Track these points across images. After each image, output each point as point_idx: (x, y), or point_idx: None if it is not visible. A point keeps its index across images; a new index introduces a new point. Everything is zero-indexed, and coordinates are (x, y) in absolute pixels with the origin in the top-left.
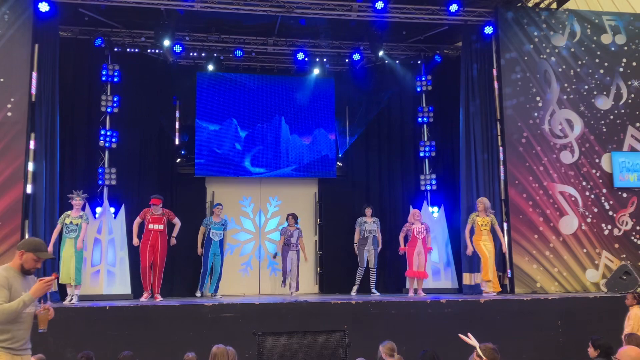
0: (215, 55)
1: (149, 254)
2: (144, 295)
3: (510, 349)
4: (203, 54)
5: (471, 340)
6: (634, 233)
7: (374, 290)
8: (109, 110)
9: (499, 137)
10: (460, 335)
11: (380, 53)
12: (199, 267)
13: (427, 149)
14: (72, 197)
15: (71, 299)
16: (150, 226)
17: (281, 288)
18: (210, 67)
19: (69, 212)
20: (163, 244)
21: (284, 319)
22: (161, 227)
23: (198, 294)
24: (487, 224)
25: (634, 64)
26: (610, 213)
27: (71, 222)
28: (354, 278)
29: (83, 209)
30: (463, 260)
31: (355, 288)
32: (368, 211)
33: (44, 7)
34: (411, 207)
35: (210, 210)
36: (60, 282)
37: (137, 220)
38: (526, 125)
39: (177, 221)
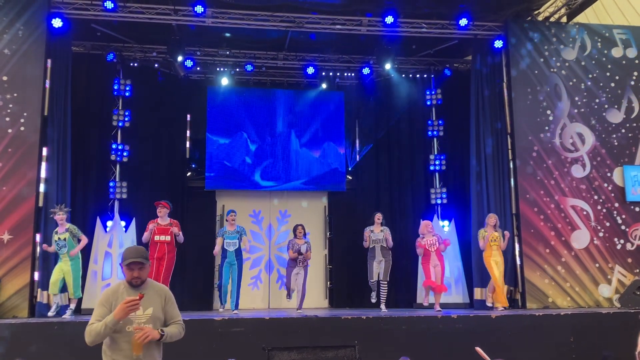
0: (226, 69)
1: (156, 268)
2: None
3: None
4: (214, 69)
5: (484, 356)
6: None
7: (381, 306)
8: (120, 124)
9: (510, 151)
10: (477, 348)
11: (388, 66)
12: (208, 280)
13: (437, 162)
14: (53, 212)
15: (57, 312)
16: (157, 237)
17: (291, 302)
18: (221, 82)
19: (56, 229)
20: (170, 256)
21: (294, 333)
22: (168, 238)
23: (221, 308)
24: (497, 239)
25: None
26: (623, 227)
27: (59, 239)
28: (365, 292)
29: (68, 220)
30: (474, 274)
31: (374, 294)
32: (378, 217)
33: (57, 22)
34: (421, 219)
35: (221, 221)
36: (49, 292)
37: (146, 235)
38: (537, 139)
39: (181, 237)
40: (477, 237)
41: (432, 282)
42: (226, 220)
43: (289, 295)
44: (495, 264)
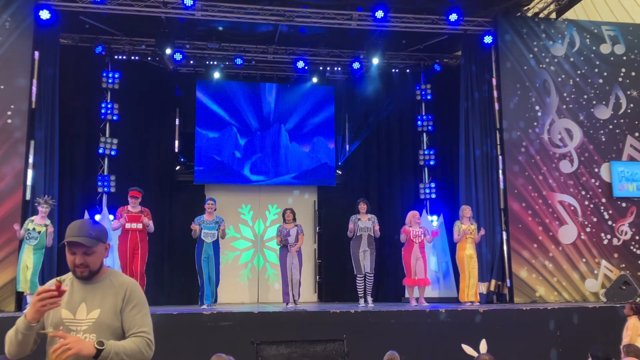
0: (215, 63)
1: (130, 258)
2: None
3: (508, 359)
4: (203, 62)
5: (476, 351)
6: (633, 243)
7: (369, 298)
8: (108, 117)
9: (498, 146)
10: (463, 345)
11: (376, 61)
12: (196, 275)
13: (426, 157)
14: (38, 202)
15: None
16: (128, 225)
17: (278, 296)
18: (211, 75)
19: (33, 218)
20: (143, 244)
21: (283, 327)
22: (140, 225)
23: (205, 306)
24: (472, 231)
25: (633, 73)
26: (610, 223)
27: (34, 229)
28: (354, 286)
29: (49, 216)
30: None
31: (362, 301)
32: (362, 207)
33: (45, 14)
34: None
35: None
36: (19, 289)
37: (116, 223)
38: (525, 135)
39: (151, 227)
40: (453, 229)
41: (412, 281)
42: (204, 209)
43: (286, 298)
44: (468, 259)
